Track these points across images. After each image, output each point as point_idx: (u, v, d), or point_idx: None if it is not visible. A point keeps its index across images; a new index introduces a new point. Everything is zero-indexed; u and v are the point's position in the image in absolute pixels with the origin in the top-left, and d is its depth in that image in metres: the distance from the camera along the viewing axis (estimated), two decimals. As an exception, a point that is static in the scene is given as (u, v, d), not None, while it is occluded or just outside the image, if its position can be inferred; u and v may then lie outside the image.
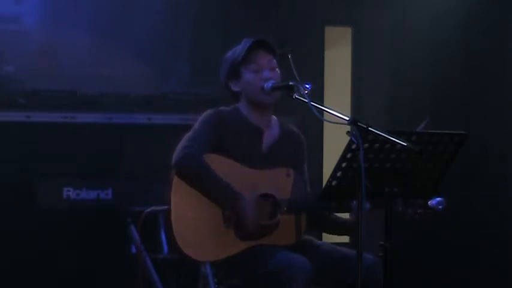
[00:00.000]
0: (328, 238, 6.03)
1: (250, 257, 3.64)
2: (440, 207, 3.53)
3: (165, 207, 3.68)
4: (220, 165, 3.69)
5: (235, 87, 3.87)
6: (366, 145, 3.19)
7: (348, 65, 6.57)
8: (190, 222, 3.66)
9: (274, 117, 3.94)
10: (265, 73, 3.79)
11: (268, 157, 3.82)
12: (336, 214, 3.84)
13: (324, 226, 3.93)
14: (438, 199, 3.53)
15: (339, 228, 3.85)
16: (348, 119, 3.25)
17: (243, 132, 3.81)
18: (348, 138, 3.19)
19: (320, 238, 5.68)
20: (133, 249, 4.99)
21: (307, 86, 3.51)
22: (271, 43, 3.85)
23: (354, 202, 3.57)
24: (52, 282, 5.16)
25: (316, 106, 3.38)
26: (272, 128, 3.91)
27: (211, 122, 3.78)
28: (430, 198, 3.53)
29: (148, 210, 4.64)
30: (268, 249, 3.64)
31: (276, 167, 3.77)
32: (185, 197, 3.67)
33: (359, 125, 3.19)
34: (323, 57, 6.44)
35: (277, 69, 3.83)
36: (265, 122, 3.88)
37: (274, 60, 3.84)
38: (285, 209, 3.69)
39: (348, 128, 3.21)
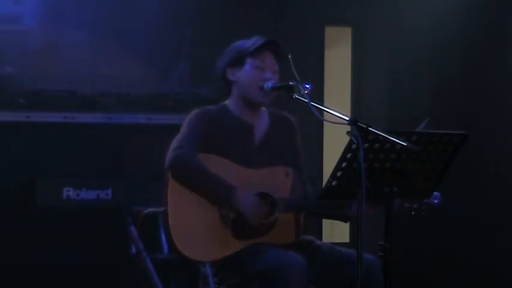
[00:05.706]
0: (329, 238, 6.05)
1: (249, 255, 3.64)
2: (436, 201, 3.54)
3: (163, 208, 3.69)
4: (217, 165, 3.69)
5: (232, 76, 3.85)
6: (366, 145, 3.19)
7: (348, 65, 6.57)
8: (188, 223, 3.66)
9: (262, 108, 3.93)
10: (268, 74, 3.79)
11: (262, 150, 3.82)
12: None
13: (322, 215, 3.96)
14: (434, 193, 3.53)
15: (337, 217, 3.84)
16: (348, 119, 3.25)
17: (233, 130, 3.81)
18: (348, 138, 3.19)
19: (320, 238, 5.68)
20: (134, 249, 4.99)
21: (307, 86, 3.51)
22: (282, 49, 3.83)
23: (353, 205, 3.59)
24: (52, 282, 5.15)
25: (316, 106, 3.38)
26: (261, 120, 3.90)
27: (199, 121, 3.77)
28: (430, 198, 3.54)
29: (146, 211, 4.64)
30: (266, 247, 3.64)
31: (273, 162, 3.77)
32: (182, 198, 3.67)
33: (359, 125, 3.19)
34: (323, 57, 6.45)
35: (277, 74, 3.83)
36: (254, 116, 3.87)
37: (277, 66, 3.84)
38: (283, 209, 3.70)
39: (348, 128, 3.21)
